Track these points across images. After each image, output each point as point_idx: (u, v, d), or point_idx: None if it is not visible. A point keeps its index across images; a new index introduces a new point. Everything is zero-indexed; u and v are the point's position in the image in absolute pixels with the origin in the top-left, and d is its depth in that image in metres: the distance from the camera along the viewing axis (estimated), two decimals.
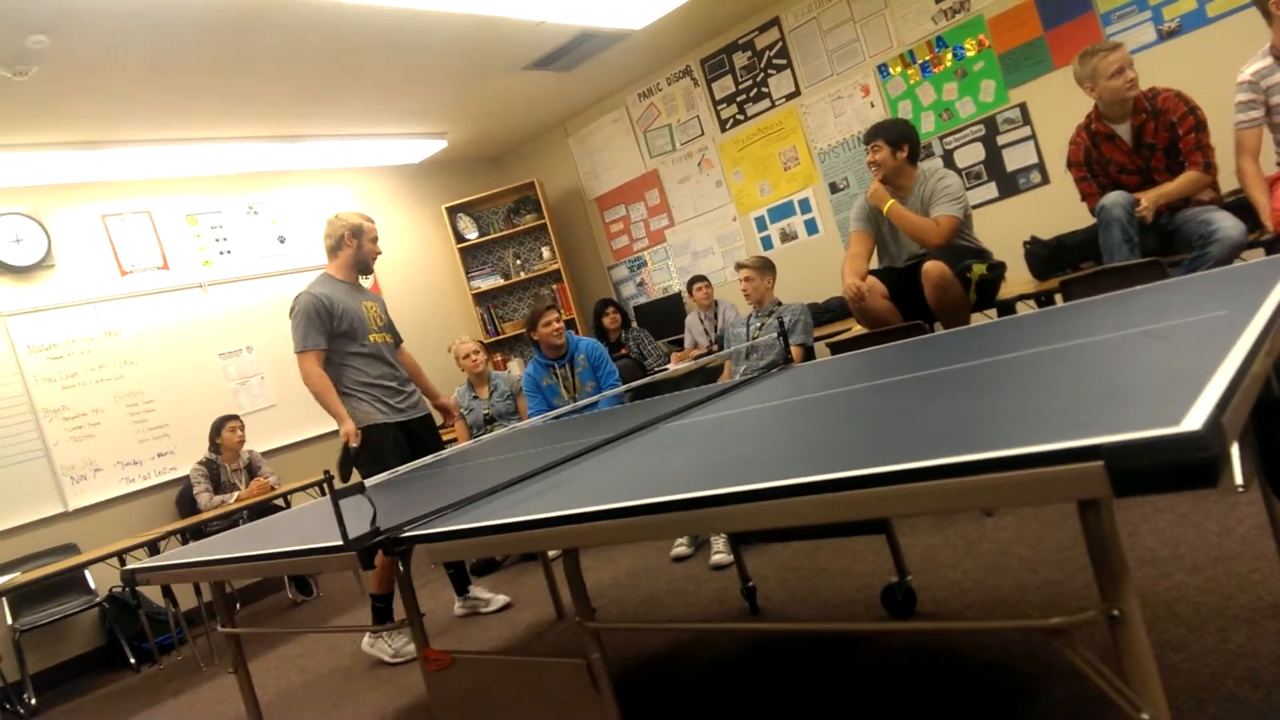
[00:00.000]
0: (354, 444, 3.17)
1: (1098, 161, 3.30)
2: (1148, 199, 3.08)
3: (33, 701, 4.20)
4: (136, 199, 5.45)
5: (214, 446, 4.94)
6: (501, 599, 3.53)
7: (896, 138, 3.38)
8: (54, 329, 4.95)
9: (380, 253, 3.46)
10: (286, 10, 3.86)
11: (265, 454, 5.29)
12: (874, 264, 3.61)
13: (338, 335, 3.24)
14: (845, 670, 2.05)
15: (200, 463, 4.91)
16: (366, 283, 3.50)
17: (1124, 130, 3.20)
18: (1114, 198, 3.08)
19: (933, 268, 3.12)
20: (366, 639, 3.36)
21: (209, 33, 3.89)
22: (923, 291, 3.17)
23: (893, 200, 3.38)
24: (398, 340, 3.53)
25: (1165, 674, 1.61)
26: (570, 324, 6.73)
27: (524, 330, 6.99)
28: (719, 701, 2.11)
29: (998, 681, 1.78)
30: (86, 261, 5.16)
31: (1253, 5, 3.17)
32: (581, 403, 3.48)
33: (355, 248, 3.36)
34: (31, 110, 4.21)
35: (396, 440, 3.27)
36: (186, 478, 5.13)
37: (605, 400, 3.72)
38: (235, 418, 5.01)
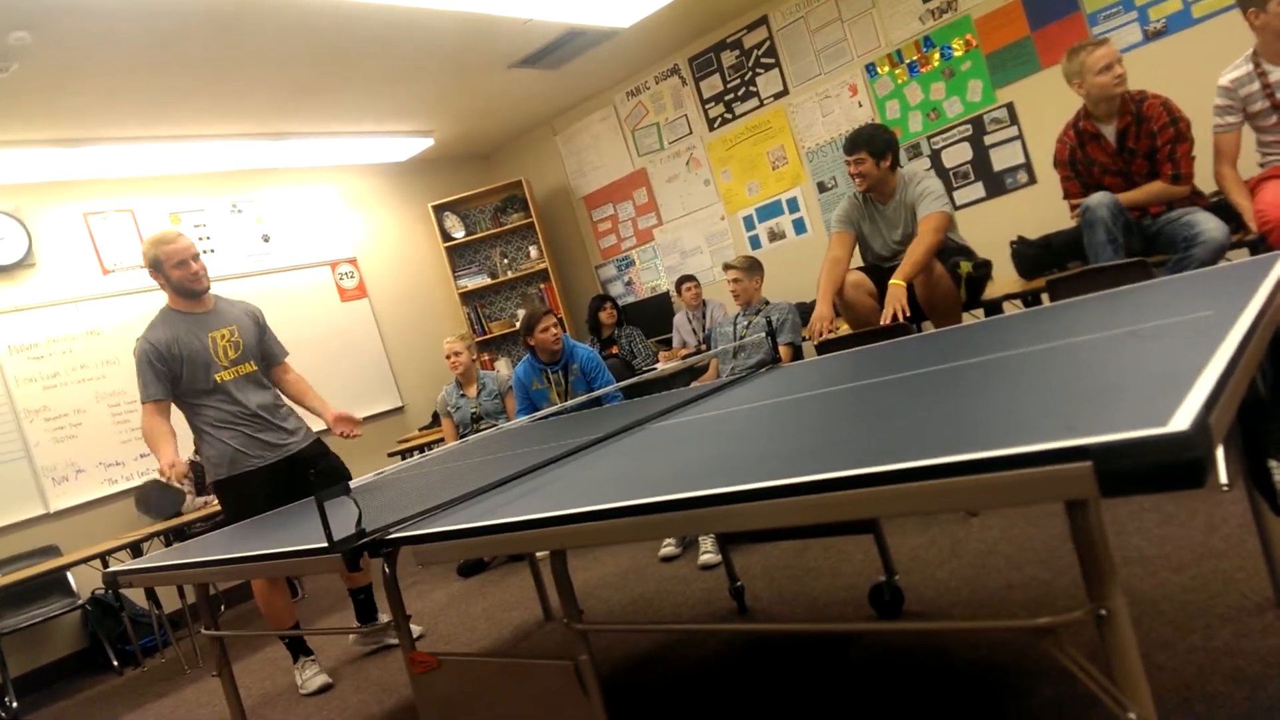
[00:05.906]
0: (173, 476, 2.86)
1: (1082, 161, 3.32)
2: None
3: (14, 705, 4.16)
4: (119, 197, 5.40)
5: None
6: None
7: (880, 148, 3.32)
8: (35, 328, 4.89)
9: (197, 271, 2.98)
10: (271, 7, 3.83)
11: None
12: (857, 261, 3.61)
13: (180, 379, 2.96)
14: (833, 670, 2.05)
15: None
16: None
17: (1109, 131, 3.22)
18: (1098, 198, 3.09)
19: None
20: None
21: (193, 29, 3.85)
22: (909, 289, 3.17)
23: (897, 280, 3.10)
24: (270, 362, 3.22)
25: (1151, 672, 1.61)
26: (559, 324, 6.70)
27: (511, 330, 7.02)
28: (707, 702, 2.10)
29: (985, 681, 1.78)
30: (68, 260, 5.11)
31: (1238, 7, 3.20)
32: (574, 401, 3.46)
33: (164, 281, 2.98)
34: (12, 107, 4.16)
35: (260, 486, 3.02)
36: None
37: (609, 399, 3.68)
38: None
